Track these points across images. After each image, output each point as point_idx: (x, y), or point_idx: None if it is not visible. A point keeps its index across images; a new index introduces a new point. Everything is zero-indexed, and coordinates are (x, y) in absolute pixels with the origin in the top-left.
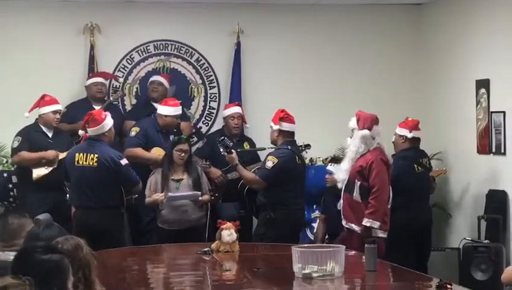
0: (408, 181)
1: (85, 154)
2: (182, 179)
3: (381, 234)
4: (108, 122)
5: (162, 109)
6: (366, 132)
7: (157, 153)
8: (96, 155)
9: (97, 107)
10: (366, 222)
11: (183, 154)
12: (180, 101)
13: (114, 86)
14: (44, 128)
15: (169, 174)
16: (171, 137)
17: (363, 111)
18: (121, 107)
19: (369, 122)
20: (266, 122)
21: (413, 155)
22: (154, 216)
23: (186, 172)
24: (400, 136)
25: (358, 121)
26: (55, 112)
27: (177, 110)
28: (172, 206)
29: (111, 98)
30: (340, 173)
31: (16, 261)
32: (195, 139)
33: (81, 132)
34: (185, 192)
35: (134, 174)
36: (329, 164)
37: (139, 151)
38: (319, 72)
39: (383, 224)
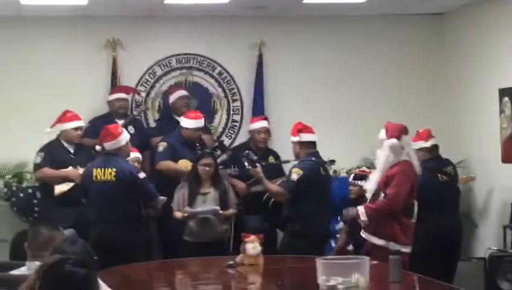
0: (431, 191)
1: (103, 169)
2: (209, 193)
3: (405, 249)
4: (125, 136)
5: (184, 122)
6: (394, 140)
7: (185, 165)
8: (114, 169)
9: (120, 122)
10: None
11: (207, 168)
12: (203, 115)
13: (137, 100)
14: (66, 144)
15: (195, 188)
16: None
17: (391, 122)
18: (143, 121)
19: (397, 132)
20: (289, 135)
21: (435, 165)
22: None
23: (213, 186)
24: (418, 149)
25: (386, 131)
26: (76, 129)
27: (198, 123)
28: (198, 218)
29: (134, 113)
30: (369, 183)
31: (47, 273)
32: (218, 152)
33: (98, 147)
34: (205, 207)
35: (152, 188)
36: (353, 181)
37: (172, 164)
38: (342, 84)
39: (404, 237)
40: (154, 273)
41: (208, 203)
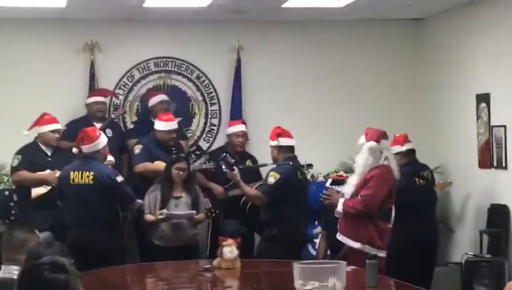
0: (409, 195)
1: (80, 172)
2: (181, 197)
3: (381, 254)
4: (103, 140)
5: (157, 124)
6: (373, 143)
7: (162, 166)
8: (92, 173)
9: (98, 125)
10: (339, 200)
11: (181, 172)
12: (179, 119)
13: (115, 103)
14: (43, 147)
15: (167, 191)
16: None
17: (371, 128)
18: (121, 124)
19: (376, 135)
20: (267, 139)
21: (413, 169)
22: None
23: (185, 190)
24: (395, 154)
25: (366, 135)
26: (54, 131)
27: (171, 125)
28: (170, 222)
29: (112, 116)
30: (347, 186)
31: (23, 280)
32: (194, 157)
33: (75, 150)
34: (181, 211)
35: (130, 191)
36: (331, 186)
37: (150, 164)
38: (320, 88)
39: (380, 242)
40: (130, 276)
41: (180, 207)
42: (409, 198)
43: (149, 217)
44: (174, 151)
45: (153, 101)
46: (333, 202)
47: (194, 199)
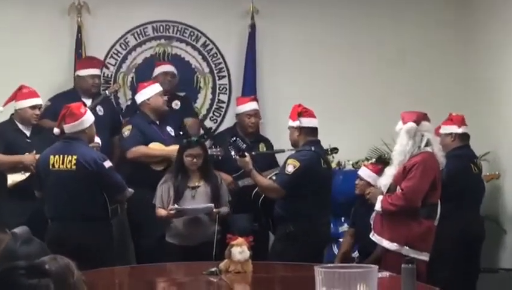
0: (463, 183)
1: (61, 156)
2: (199, 187)
3: (422, 257)
4: (89, 117)
5: (142, 95)
6: (411, 124)
7: (158, 148)
8: (74, 157)
9: (88, 101)
10: (378, 198)
11: (195, 159)
12: (182, 93)
13: (105, 75)
14: (21, 126)
15: (182, 181)
16: (168, 128)
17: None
18: (113, 100)
19: (415, 116)
20: (285, 118)
21: (469, 153)
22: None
23: (204, 179)
24: (447, 134)
25: (402, 119)
26: (33, 107)
27: (156, 88)
28: (184, 218)
29: (107, 92)
30: (384, 177)
31: None
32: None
33: (56, 131)
34: (198, 204)
35: (120, 179)
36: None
37: (144, 148)
38: (348, 61)
39: (422, 242)
40: (119, 280)
41: (197, 198)
42: (462, 186)
43: (161, 211)
44: (181, 135)
45: (156, 71)
46: (371, 199)
47: (214, 188)
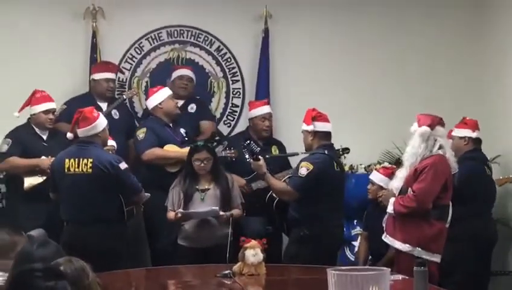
0: (478, 185)
1: (77, 159)
2: (208, 189)
3: (434, 258)
4: (102, 121)
5: (152, 100)
6: (426, 128)
7: (172, 150)
8: (90, 160)
9: (103, 105)
10: (390, 200)
11: (203, 163)
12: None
13: (120, 79)
14: (37, 130)
15: (191, 184)
16: (182, 130)
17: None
18: (128, 104)
19: (430, 120)
20: (298, 122)
21: (482, 156)
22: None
23: (214, 181)
24: (461, 137)
25: (418, 121)
26: (47, 112)
27: (166, 93)
28: (196, 220)
29: (123, 96)
30: (395, 180)
31: (11, 288)
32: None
33: (69, 135)
34: (202, 207)
35: (135, 180)
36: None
37: (159, 151)
38: (362, 64)
39: (434, 244)
40: (136, 282)
41: (206, 201)
42: (476, 188)
43: (170, 215)
44: (186, 137)
45: (173, 75)
46: (383, 201)
47: (225, 191)
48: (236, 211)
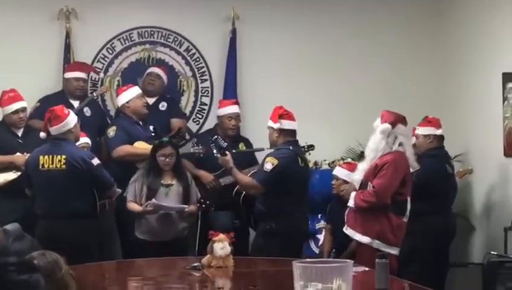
0: (440, 182)
1: (51, 156)
2: (172, 185)
3: (392, 251)
4: (73, 118)
5: (121, 98)
6: (387, 126)
7: (142, 147)
8: (63, 156)
9: (75, 103)
10: (352, 194)
11: (168, 159)
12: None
13: (92, 78)
14: (12, 128)
15: (155, 179)
16: (151, 127)
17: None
18: (100, 102)
19: (392, 118)
20: (264, 120)
21: (444, 154)
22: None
23: (176, 177)
24: (426, 135)
25: (381, 118)
26: (15, 112)
27: (134, 91)
28: (158, 214)
29: (94, 94)
30: (357, 172)
31: None
32: (181, 141)
33: (42, 135)
34: (171, 202)
35: (108, 176)
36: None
37: (129, 147)
38: (326, 64)
39: (393, 237)
40: (109, 274)
41: (170, 196)
42: (437, 185)
43: (135, 206)
44: (153, 133)
45: (145, 73)
46: (345, 195)
47: (186, 187)
48: (193, 207)
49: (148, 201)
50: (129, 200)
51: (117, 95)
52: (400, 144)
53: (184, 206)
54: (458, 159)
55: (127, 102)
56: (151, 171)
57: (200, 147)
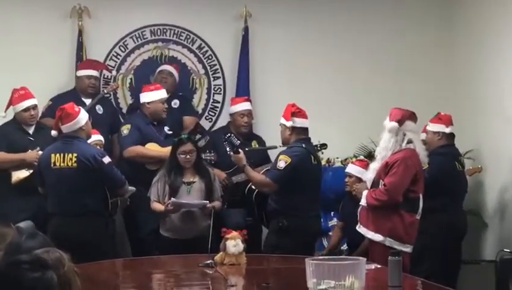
0: (449, 180)
1: (62, 154)
2: (194, 182)
3: (405, 249)
4: (84, 115)
5: (144, 97)
6: (394, 124)
7: (154, 149)
8: (75, 154)
9: (87, 101)
10: (364, 193)
11: (188, 156)
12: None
13: (105, 76)
14: (24, 126)
15: (177, 177)
16: (165, 128)
17: (398, 108)
18: (113, 100)
19: (400, 115)
20: (277, 118)
21: (454, 151)
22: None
23: (198, 174)
24: (435, 132)
25: (390, 115)
26: (26, 110)
27: (159, 95)
28: (181, 212)
29: (104, 91)
30: (369, 172)
31: None
32: (197, 136)
33: (54, 133)
34: (192, 200)
35: (119, 174)
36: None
37: (140, 149)
38: (338, 62)
39: (405, 235)
40: (121, 272)
41: (192, 194)
42: (447, 183)
43: (158, 206)
44: (170, 132)
45: (157, 70)
46: (357, 194)
47: (208, 184)
48: (217, 203)
49: (169, 200)
50: (152, 200)
51: (142, 91)
52: (409, 141)
53: (205, 202)
54: (469, 155)
55: (148, 103)
56: (173, 170)
57: (213, 153)
